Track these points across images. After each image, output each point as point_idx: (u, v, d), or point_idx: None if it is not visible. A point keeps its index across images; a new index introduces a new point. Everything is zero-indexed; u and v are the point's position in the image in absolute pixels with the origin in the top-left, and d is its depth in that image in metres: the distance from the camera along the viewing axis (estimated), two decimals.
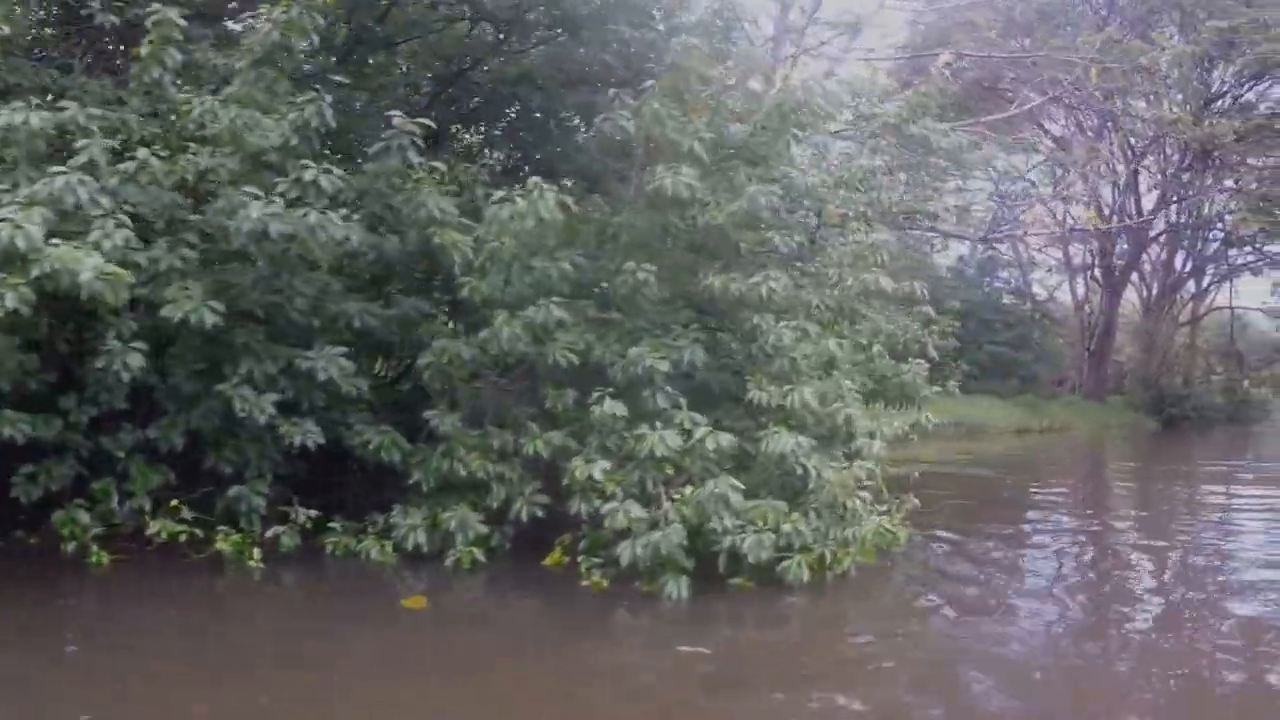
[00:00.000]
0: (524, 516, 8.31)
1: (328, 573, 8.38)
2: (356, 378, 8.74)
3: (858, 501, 8.03)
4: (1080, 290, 42.93)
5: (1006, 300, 35.84)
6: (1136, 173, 37.50)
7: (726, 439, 7.81)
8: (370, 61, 14.43)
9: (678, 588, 7.27)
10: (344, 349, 8.60)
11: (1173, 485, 19.34)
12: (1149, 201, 39.77)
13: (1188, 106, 34.66)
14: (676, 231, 8.78)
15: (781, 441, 7.74)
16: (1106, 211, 38.68)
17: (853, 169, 9.57)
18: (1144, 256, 44.05)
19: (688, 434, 7.88)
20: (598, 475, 7.77)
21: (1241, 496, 17.34)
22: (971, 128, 18.60)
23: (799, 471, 7.83)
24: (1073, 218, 32.86)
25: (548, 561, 8.26)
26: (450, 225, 8.51)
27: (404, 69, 14.74)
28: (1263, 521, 13.38)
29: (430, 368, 8.67)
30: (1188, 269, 42.60)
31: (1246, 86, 37.28)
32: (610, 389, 8.17)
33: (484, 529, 8.32)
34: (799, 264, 9.46)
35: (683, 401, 8.34)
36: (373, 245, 9.28)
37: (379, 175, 8.89)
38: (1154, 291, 42.34)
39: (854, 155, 11.05)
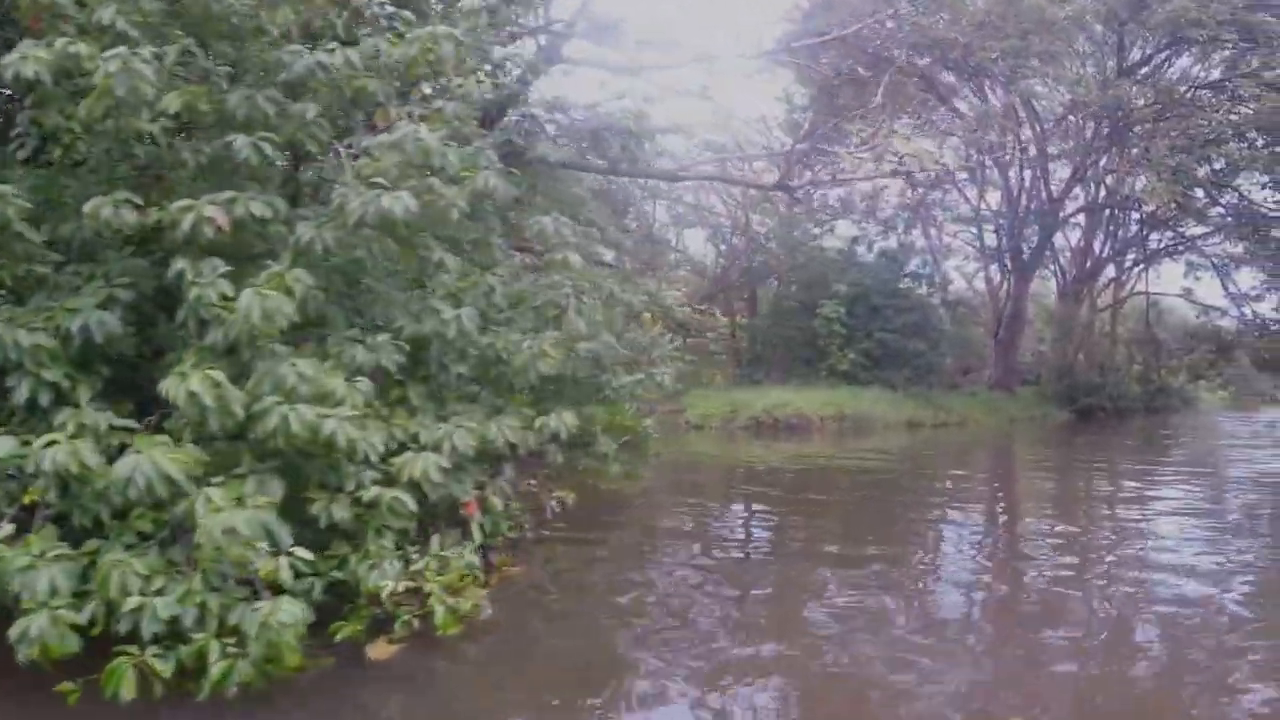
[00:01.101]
0: None
1: None
2: None
3: (282, 562, 4.91)
4: (996, 276, 40.48)
5: (908, 284, 32.87)
6: (1045, 148, 34.96)
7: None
8: None
9: None
10: None
11: (1047, 496, 16.53)
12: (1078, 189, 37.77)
13: (1099, 78, 32.21)
14: (71, 139, 5.73)
15: (129, 462, 4.70)
16: (1015, 191, 36.29)
17: (403, 50, 6.40)
18: (1064, 240, 41.86)
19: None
20: None
21: (1135, 516, 14.02)
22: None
23: (180, 508, 4.80)
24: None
25: None
26: None
27: None
28: (1149, 577, 9.37)
29: None
30: (1106, 253, 40.20)
31: (1163, 58, 34.92)
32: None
33: None
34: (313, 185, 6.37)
35: (82, 394, 5.34)
36: None
37: None
38: (1069, 277, 39.91)
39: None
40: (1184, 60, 35.18)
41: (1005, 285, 38.11)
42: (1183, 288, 37.09)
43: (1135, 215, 37.88)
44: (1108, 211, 38.41)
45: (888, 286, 30.59)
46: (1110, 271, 42.09)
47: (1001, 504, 14.46)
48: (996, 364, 35.60)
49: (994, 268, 40.13)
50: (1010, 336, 35.40)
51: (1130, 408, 36.12)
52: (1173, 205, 31.18)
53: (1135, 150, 30.34)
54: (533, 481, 8.10)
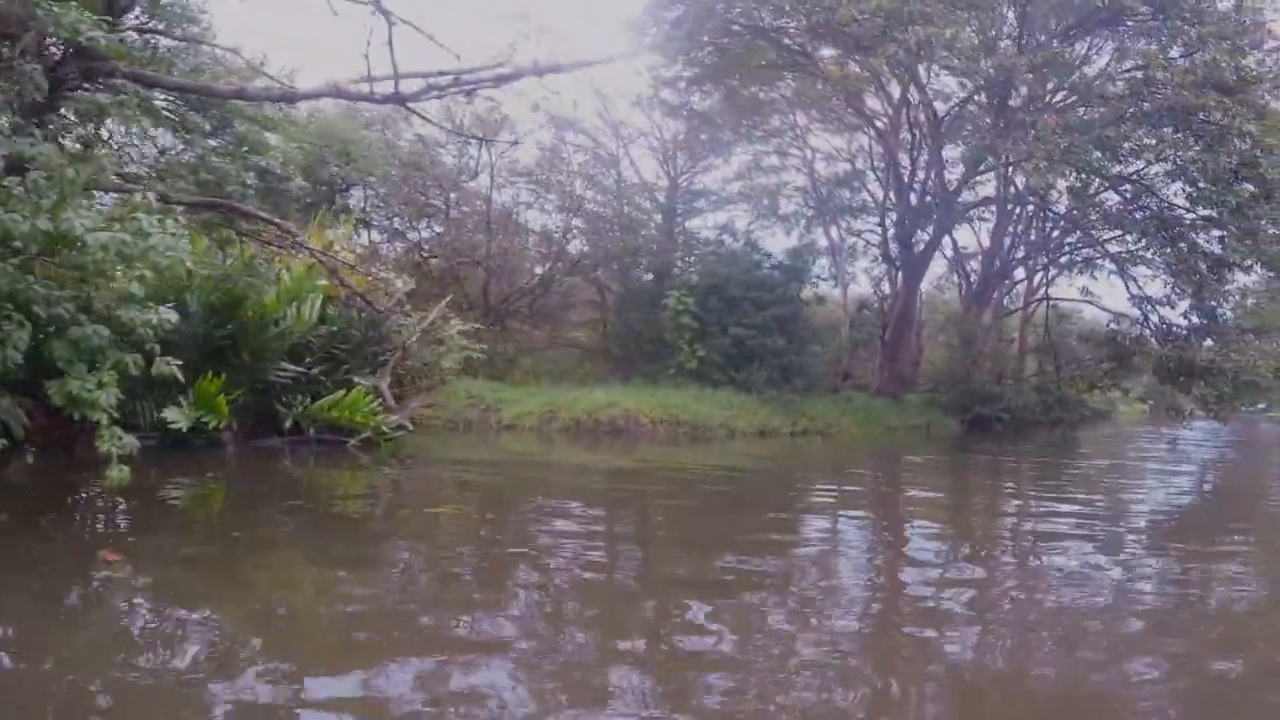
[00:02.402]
0: None
1: None
2: None
3: None
4: (900, 278, 37.32)
5: (772, 274, 29.24)
6: (940, 139, 31.85)
7: None
8: None
9: None
10: None
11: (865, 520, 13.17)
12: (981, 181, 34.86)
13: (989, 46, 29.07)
14: None
15: None
16: (907, 178, 33.18)
17: None
18: (976, 242, 38.82)
19: None
20: None
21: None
22: None
23: None
24: None
25: None
26: None
27: None
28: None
29: None
30: (1015, 256, 37.13)
31: (1069, 43, 31.85)
32: None
33: None
34: None
35: None
36: None
37: None
38: (974, 280, 36.88)
39: None
40: (1102, 59, 32.22)
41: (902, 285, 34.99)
42: (1081, 288, 33.90)
43: (1045, 215, 34.96)
44: (1015, 209, 35.42)
45: (749, 276, 27.06)
46: (1020, 275, 39.19)
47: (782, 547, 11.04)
48: (881, 369, 32.32)
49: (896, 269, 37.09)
50: (897, 339, 32.15)
51: (1032, 419, 32.95)
52: (1063, 194, 28.22)
53: (1020, 131, 27.02)
54: None
